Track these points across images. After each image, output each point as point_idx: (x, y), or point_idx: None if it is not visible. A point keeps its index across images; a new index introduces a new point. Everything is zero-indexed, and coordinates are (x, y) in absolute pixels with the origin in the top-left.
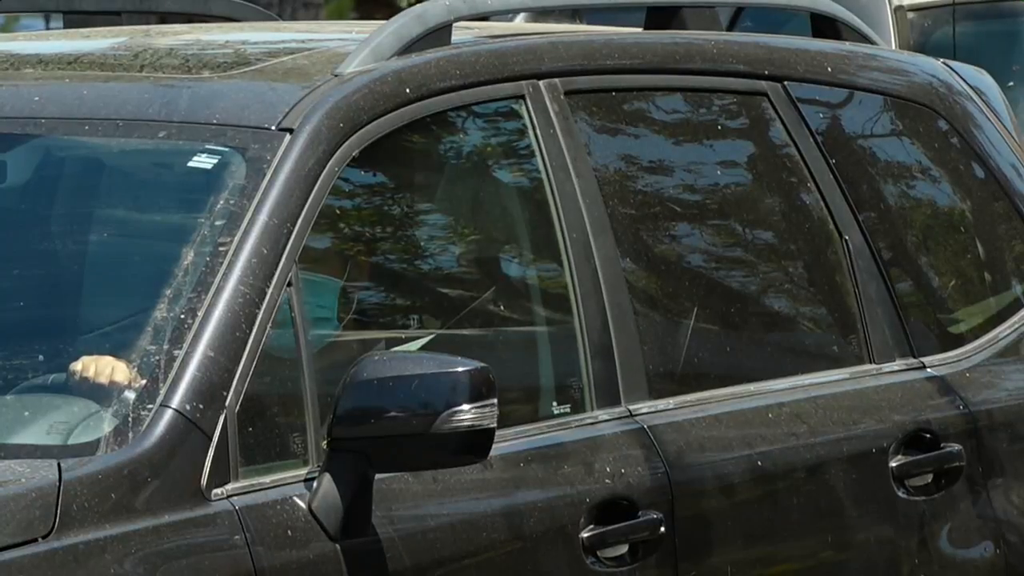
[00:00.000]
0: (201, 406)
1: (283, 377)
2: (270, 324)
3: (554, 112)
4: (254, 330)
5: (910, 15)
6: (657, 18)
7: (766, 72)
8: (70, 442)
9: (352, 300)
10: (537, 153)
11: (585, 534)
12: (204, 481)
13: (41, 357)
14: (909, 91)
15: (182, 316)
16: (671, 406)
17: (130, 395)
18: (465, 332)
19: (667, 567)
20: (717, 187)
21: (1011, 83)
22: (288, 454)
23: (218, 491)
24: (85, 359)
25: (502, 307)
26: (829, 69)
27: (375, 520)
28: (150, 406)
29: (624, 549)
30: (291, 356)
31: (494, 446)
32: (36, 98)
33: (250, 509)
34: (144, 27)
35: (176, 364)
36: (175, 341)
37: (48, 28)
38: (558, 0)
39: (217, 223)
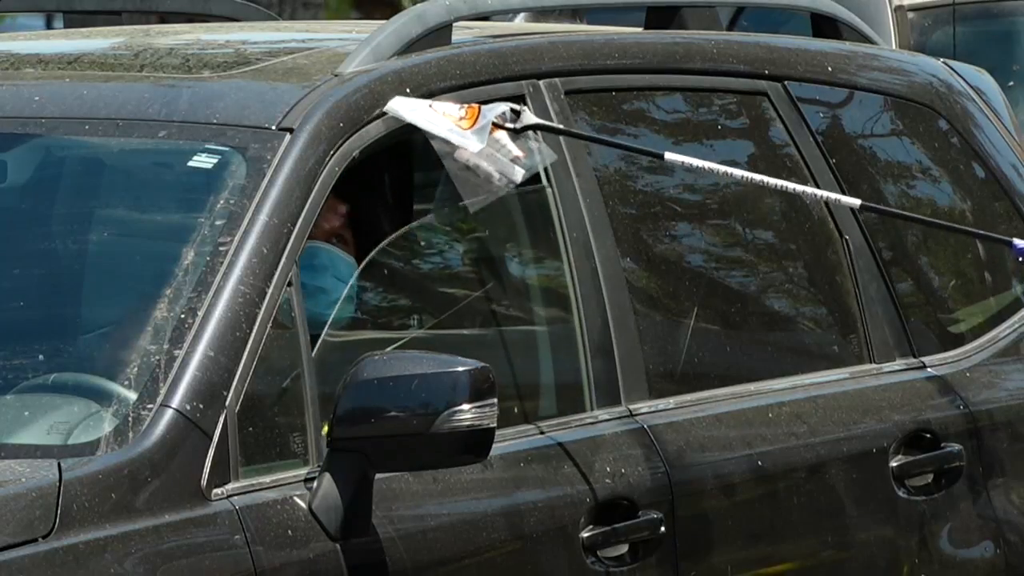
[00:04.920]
0: (201, 406)
1: (283, 377)
2: (270, 324)
3: (554, 112)
4: (254, 330)
5: (910, 15)
6: (657, 18)
7: (766, 72)
8: (70, 442)
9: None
10: None
11: (585, 534)
12: (204, 481)
13: (41, 357)
14: (909, 91)
15: (182, 316)
16: (671, 406)
17: (130, 395)
18: (465, 332)
19: (667, 567)
20: (717, 187)
21: (1011, 83)
22: (288, 454)
23: (218, 491)
24: None
25: (502, 307)
26: (829, 69)
27: (375, 520)
28: (150, 406)
29: (624, 549)
30: (291, 355)
31: (494, 446)
32: (36, 98)
33: (250, 509)
34: (144, 27)
35: (176, 364)
36: (175, 341)
37: (48, 28)
38: (558, 0)
39: (217, 223)
